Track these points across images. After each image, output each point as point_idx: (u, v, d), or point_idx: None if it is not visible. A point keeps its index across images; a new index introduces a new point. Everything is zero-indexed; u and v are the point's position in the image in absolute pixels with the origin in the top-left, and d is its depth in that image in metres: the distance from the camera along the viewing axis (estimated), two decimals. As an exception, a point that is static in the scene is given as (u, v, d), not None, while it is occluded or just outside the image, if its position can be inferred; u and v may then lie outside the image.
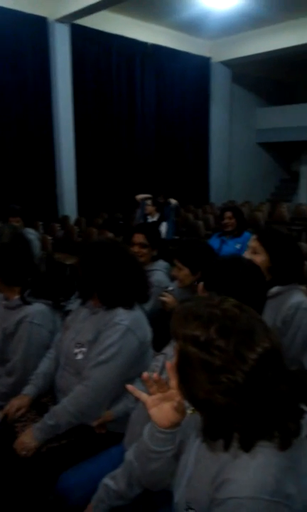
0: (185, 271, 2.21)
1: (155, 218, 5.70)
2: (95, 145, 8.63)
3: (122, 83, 9.06)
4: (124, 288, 1.69)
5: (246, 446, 0.88)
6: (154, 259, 2.76)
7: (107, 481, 1.28)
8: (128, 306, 1.69)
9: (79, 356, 1.69)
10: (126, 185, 9.00)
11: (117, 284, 1.67)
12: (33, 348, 1.92)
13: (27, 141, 7.60)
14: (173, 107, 10.09)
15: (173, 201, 5.80)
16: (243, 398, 0.86)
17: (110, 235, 3.75)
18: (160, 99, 9.81)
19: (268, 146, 12.80)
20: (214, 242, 4.10)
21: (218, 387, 0.86)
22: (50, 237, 6.26)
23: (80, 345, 1.70)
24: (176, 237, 6.99)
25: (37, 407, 1.83)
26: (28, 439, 1.60)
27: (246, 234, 4.03)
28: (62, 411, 1.61)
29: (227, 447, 0.90)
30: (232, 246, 3.97)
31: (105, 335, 1.64)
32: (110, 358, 1.60)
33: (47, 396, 1.88)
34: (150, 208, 5.75)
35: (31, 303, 1.98)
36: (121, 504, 1.27)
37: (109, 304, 1.69)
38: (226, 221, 4.09)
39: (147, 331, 1.76)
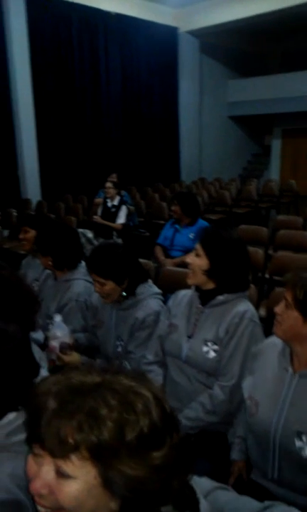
0: (110, 284, 1.90)
1: (115, 202, 5.53)
2: (58, 123, 8.27)
3: (85, 56, 8.63)
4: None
5: None
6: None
7: None
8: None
9: None
10: (93, 165, 8.71)
11: None
12: None
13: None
14: (139, 80, 9.71)
15: (128, 207, 5.58)
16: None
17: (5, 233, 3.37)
18: (126, 73, 9.42)
19: (240, 120, 12.53)
20: (168, 231, 3.92)
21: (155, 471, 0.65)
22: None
23: None
24: (141, 219, 6.87)
25: None
26: None
27: (201, 222, 3.88)
28: None
29: None
30: (185, 235, 3.76)
31: None
32: None
33: None
34: (112, 191, 5.57)
35: None
36: None
37: None
38: (173, 208, 3.79)
39: None
